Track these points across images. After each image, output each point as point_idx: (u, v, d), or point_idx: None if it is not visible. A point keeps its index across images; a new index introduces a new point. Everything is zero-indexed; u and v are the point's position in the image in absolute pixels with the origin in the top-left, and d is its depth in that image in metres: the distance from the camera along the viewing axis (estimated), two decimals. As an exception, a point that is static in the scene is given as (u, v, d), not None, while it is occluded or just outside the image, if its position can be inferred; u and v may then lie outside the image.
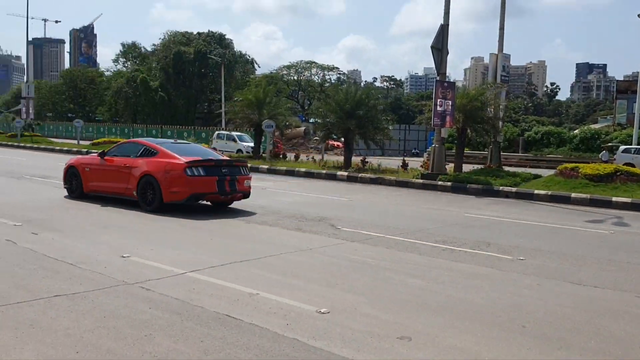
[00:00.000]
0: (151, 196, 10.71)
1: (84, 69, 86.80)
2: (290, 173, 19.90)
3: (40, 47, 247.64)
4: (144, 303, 5.09)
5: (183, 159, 10.79)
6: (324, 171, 19.32)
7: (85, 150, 28.35)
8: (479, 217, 11.54)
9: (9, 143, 33.79)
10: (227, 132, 30.84)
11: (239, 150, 30.89)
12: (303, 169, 19.83)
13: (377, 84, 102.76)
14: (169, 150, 11.22)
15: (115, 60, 76.41)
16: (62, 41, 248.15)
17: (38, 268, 6.15)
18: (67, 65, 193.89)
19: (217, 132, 23.15)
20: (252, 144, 29.71)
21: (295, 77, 66.47)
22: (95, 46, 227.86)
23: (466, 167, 20.15)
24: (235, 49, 66.88)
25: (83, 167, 12.07)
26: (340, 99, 21.16)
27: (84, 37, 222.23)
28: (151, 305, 5.02)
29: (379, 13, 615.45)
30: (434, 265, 7.13)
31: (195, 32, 67.81)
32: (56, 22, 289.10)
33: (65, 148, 29.90)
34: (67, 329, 4.37)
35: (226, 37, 67.79)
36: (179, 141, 13.73)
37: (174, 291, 5.48)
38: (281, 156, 24.93)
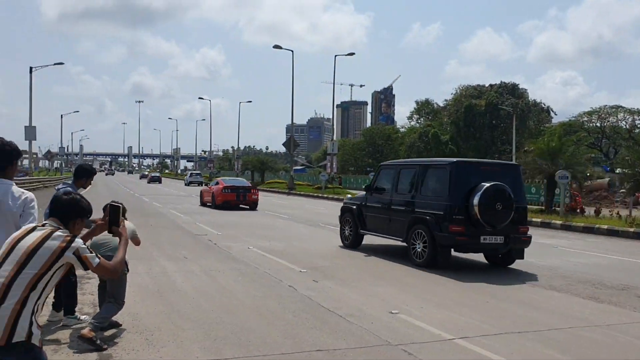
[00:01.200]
0: (213, 202, 23.97)
1: (381, 127, 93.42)
2: (588, 230, 17.58)
3: (347, 109, 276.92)
4: (403, 369, 4.67)
5: (223, 185, 24.23)
6: (631, 229, 16.56)
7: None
8: None
9: (314, 194, 37.76)
10: None
11: None
12: (605, 226, 17.33)
13: None
14: (223, 181, 25.17)
15: (410, 117, 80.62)
16: (365, 103, 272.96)
17: (310, 317, 6.27)
18: (368, 124, 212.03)
19: None
20: None
21: (598, 124, 60.41)
22: (394, 105, 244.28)
23: None
24: (529, 98, 64.20)
25: (202, 192, 26.81)
26: (654, 146, 18.11)
27: (384, 98, 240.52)
28: (409, 374, 4.58)
29: None
30: None
31: (487, 85, 67.41)
32: (360, 86, 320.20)
33: (360, 199, 31.96)
34: (318, 390, 4.20)
35: (519, 86, 65.61)
36: (232, 178, 29.67)
37: (437, 359, 4.95)
38: (578, 211, 22.34)
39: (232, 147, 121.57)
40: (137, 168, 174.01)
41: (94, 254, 2.98)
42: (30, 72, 40.05)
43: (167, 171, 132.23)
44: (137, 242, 5.89)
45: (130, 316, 5.97)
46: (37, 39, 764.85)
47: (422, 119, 77.19)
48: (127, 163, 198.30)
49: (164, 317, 6.09)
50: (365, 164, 79.78)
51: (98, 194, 28.40)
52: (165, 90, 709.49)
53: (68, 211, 3.08)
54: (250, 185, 26.35)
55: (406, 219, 10.43)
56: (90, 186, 6.17)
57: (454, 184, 9.85)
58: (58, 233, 2.91)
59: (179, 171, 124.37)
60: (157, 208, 23.45)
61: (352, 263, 10.25)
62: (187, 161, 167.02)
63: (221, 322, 5.93)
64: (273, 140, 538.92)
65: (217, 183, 25.23)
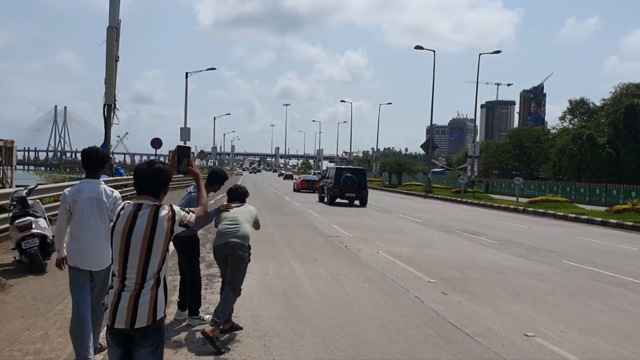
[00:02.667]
0: (295, 187, 42.27)
1: (529, 128, 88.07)
2: None
3: (492, 109, 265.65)
4: (533, 404, 4.19)
5: (302, 179, 43.32)
6: None
7: (522, 207, 28.16)
8: None
9: (453, 198, 36.54)
10: None
11: None
12: None
13: None
14: (302, 177, 46.73)
15: (562, 118, 75.03)
16: (513, 102, 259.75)
17: (434, 334, 5.91)
18: (515, 124, 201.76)
19: None
20: None
21: None
22: (544, 105, 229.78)
23: None
24: None
25: (294, 183, 46.16)
26: None
27: (534, 97, 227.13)
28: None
29: None
30: None
31: (654, 82, 60.91)
32: (508, 85, 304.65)
33: (503, 205, 30.29)
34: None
35: (694, 82, 58.50)
36: (308, 175, 57.26)
37: (575, 396, 4.39)
38: None
39: (372, 148, 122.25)
40: (282, 167, 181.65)
41: (189, 213, 3.08)
42: (186, 77, 43.25)
43: (310, 171, 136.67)
44: (257, 226, 5.82)
45: (252, 319, 6.04)
46: (194, 45, 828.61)
47: (576, 120, 71.58)
48: (274, 163, 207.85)
49: (285, 321, 6.07)
50: (511, 167, 75.78)
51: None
52: (311, 94, 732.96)
53: (158, 184, 3.04)
54: (317, 179, 40.31)
55: (326, 187, 28.55)
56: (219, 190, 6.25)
57: (336, 175, 27.38)
58: (161, 213, 2.94)
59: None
60: (295, 207, 24.10)
61: (486, 276, 9.62)
62: (329, 162, 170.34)
63: (341, 332, 5.78)
64: (412, 142, 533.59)
65: (299, 177, 46.40)
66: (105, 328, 3.05)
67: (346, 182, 27.04)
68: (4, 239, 9.85)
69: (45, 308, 6.13)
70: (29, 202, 8.61)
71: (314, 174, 72.27)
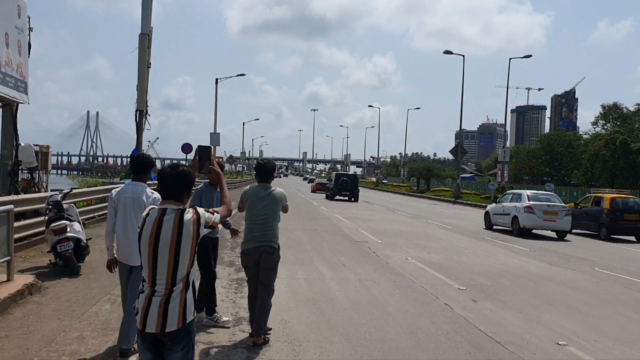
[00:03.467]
0: (312, 189, 50.67)
1: (561, 133, 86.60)
2: None
3: (523, 114, 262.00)
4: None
5: (317, 182, 53.05)
6: None
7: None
8: None
9: (482, 204, 36.08)
10: None
11: None
12: None
13: None
14: (317, 180, 60.17)
15: (594, 123, 73.61)
16: (544, 107, 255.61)
17: (463, 341, 5.86)
18: (546, 130, 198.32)
19: None
20: None
21: None
22: (576, 110, 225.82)
23: None
24: None
25: (312, 184, 57.27)
26: None
27: (565, 102, 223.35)
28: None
29: None
30: None
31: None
32: (539, 90, 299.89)
33: (533, 211, 29.85)
34: None
35: None
36: (321, 178, 68.37)
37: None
38: None
39: (400, 153, 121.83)
40: (309, 172, 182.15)
41: (213, 214, 3.06)
42: (216, 83, 43.78)
43: None
44: (285, 210, 5.63)
45: (282, 323, 6.07)
46: (223, 51, 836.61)
47: (609, 125, 70.14)
48: (301, 167, 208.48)
49: (314, 327, 6.09)
50: (542, 173, 74.52)
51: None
52: (338, 99, 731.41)
53: (182, 187, 3.02)
54: (328, 182, 42.75)
55: (329, 187, 39.06)
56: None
57: (335, 178, 37.52)
58: (186, 217, 2.93)
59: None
60: (323, 212, 24.12)
61: (517, 283, 9.50)
62: (357, 167, 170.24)
63: (370, 338, 5.77)
64: (441, 147, 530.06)
65: (315, 181, 53.83)
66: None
67: (342, 183, 36.25)
68: (40, 242, 10.09)
69: (80, 310, 6.26)
70: (64, 206, 8.82)
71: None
